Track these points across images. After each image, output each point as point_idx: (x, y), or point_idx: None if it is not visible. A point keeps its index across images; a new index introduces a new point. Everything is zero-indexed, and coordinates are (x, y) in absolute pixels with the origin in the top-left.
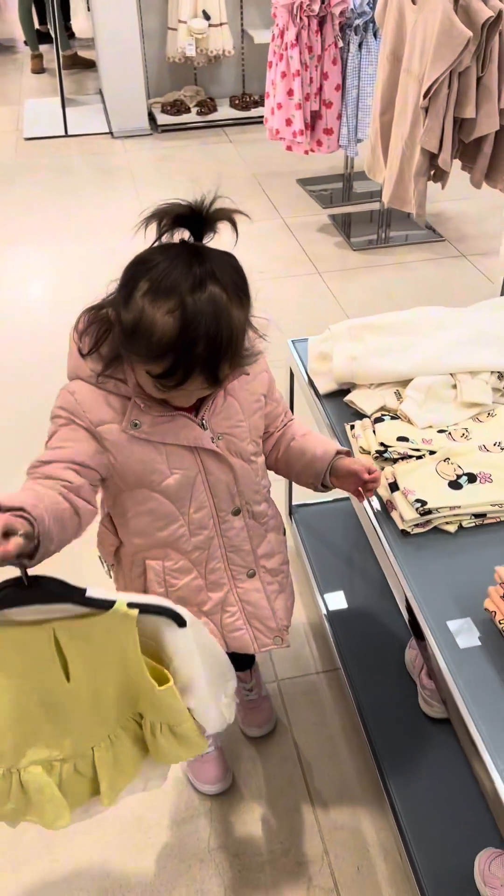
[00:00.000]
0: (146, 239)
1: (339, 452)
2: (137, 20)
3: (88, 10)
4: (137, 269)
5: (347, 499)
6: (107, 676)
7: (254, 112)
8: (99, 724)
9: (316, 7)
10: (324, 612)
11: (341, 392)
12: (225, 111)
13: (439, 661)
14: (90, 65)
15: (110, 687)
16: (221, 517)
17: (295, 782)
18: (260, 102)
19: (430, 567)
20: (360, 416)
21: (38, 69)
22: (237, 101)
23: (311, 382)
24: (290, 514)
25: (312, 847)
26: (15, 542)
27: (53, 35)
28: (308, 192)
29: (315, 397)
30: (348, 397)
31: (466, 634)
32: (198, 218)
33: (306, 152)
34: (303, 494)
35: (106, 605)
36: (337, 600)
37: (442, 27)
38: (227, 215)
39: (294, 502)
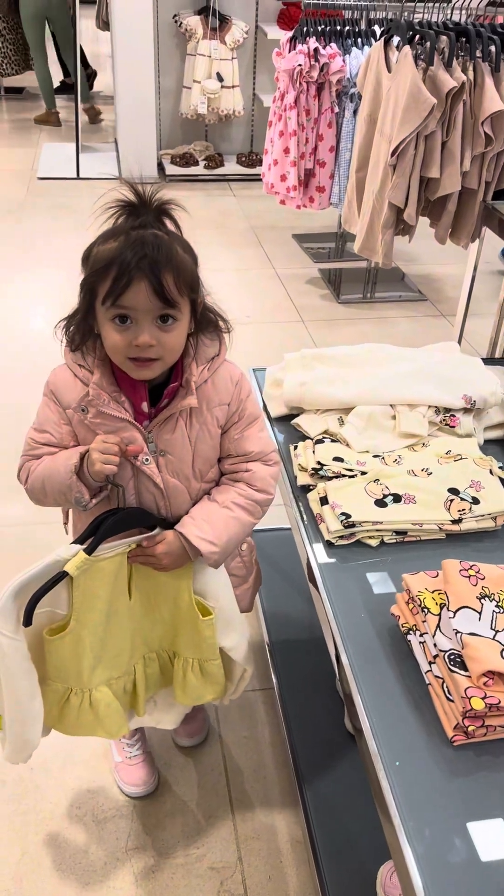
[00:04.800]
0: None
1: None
2: (155, 78)
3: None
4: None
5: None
6: (159, 601)
7: (259, 169)
8: (143, 643)
9: (315, 74)
10: (265, 633)
11: (292, 416)
12: (231, 167)
13: (345, 665)
14: (95, 117)
15: (161, 611)
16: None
17: (219, 791)
18: None
19: (349, 575)
20: (305, 438)
21: (54, 122)
22: (244, 159)
23: (265, 406)
24: None
25: (227, 854)
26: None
27: (74, 81)
28: (302, 247)
29: (266, 419)
30: (295, 420)
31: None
32: (144, 208)
33: (298, 207)
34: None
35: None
36: (279, 623)
37: (410, 93)
38: (167, 208)
39: None
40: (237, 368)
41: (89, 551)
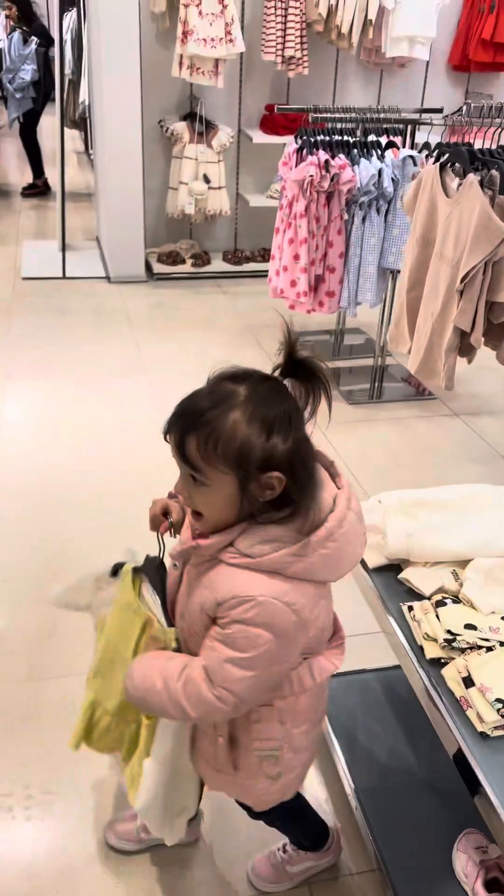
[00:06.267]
0: (153, 386)
1: None
2: (141, 180)
3: (92, 167)
4: None
5: (374, 669)
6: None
7: (245, 267)
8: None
9: (326, 184)
10: (354, 803)
11: (391, 566)
12: (218, 264)
13: None
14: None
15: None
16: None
17: None
18: (251, 258)
19: None
20: (415, 594)
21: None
22: (230, 256)
23: None
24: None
25: None
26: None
27: (61, 182)
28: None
29: (364, 570)
30: (403, 575)
31: None
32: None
33: (308, 311)
34: None
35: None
36: (369, 789)
37: (480, 222)
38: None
39: None
40: (259, 586)
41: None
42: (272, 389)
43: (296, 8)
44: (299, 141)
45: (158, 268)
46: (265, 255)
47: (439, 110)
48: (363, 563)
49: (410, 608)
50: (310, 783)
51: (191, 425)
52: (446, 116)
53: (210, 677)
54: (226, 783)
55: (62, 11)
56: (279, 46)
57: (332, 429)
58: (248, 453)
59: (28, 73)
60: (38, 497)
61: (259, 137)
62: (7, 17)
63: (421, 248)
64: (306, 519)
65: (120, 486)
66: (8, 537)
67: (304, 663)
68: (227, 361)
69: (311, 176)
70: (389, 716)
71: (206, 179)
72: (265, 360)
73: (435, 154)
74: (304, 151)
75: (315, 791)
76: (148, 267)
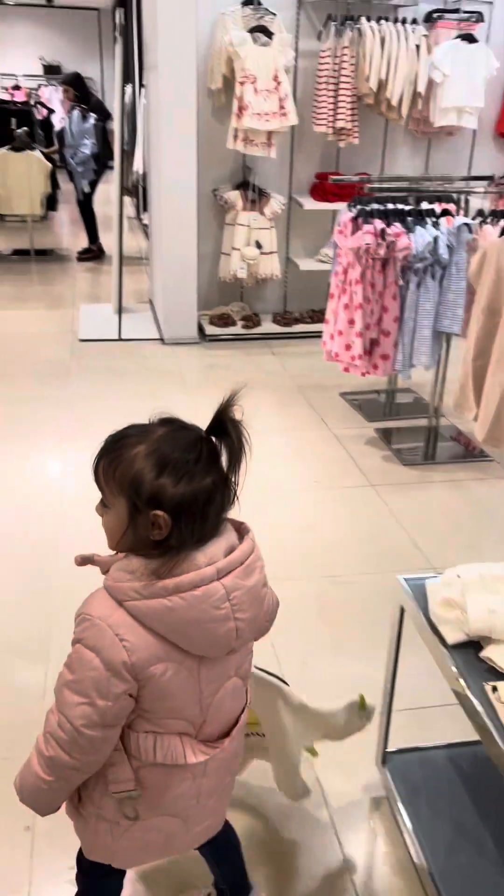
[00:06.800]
0: None
1: None
2: (195, 246)
3: (146, 237)
4: None
5: (445, 746)
6: None
7: (295, 328)
8: None
9: (382, 252)
10: (426, 881)
11: (472, 643)
12: (268, 326)
13: None
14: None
15: None
16: None
17: None
18: (301, 320)
19: None
20: (498, 673)
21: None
22: (279, 318)
23: (433, 628)
24: (384, 761)
25: None
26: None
27: (118, 248)
28: (351, 404)
29: (442, 646)
30: (485, 653)
31: None
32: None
33: (363, 374)
34: (400, 738)
35: None
36: (440, 867)
37: None
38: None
39: (389, 747)
40: (102, 608)
41: None
42: (188, 439)
43: (347, 82)
44: (354, 209)
45: (210, 329)
46: (314, 317)
47: (490, 178)
48: (441, 638)
49: (494, 689)
50: (377, 857)
51: (106, 449)
52: (499, 183)
53: (56, 702)
54: (71, 810)
55: (123, 86)
56: (330, 118)
57: (388, 490)
58: (138, 485)
59: (88, 146)
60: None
61: (309, 204)
62: (66, 97)
63: (487, 318)
64: (167, 564)
65: None
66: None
67: (149, 735)
68: (279, 421)
69: (368, 244)
70: (461, 792)
71: (259, 245)
72: (315, 418)
73: (500, 227)
74: (360, 220)
75: (381, 870)
76: (200, 329)
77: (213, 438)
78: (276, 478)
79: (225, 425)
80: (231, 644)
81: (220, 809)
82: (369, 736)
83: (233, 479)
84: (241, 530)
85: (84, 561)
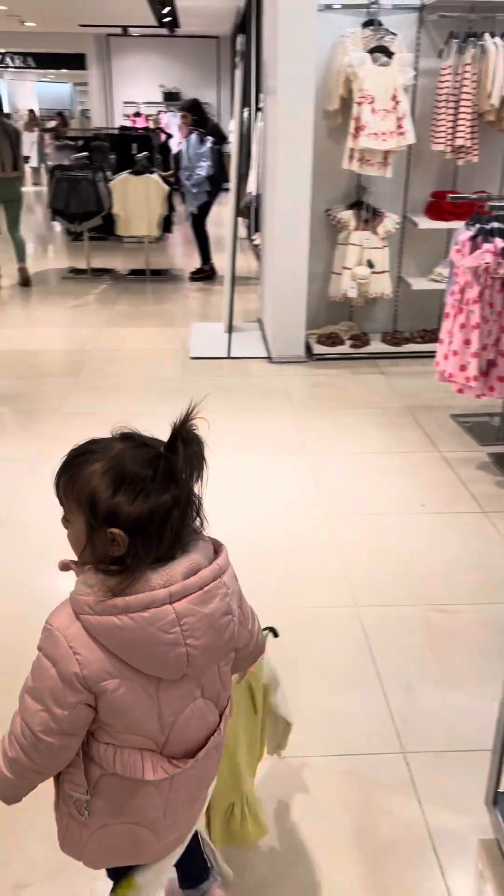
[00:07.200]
0: (310, 462)
1: None
2: (307, 265)
3: (256, 257)
4: None
5: None
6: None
7: (405, 348)
8: None
9: (502, 271)
10: None
11: None
12: (377, 345)
13: None
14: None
15: None
16: None
17: None
18: (411, 339)
19: None
20: None
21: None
22: (389, 338)
23: None
24: (495, 802)
25: None
26: None
27: (231, 268)
28: (462, 426)
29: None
30: None
31: None
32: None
33: (478, 396)
34: None
35: None
36: None
37: None
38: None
39: (501, 787)
40: (62, 619)
41: None
42: (145, 455)
43: (468, 99)
44: (473, 228)
45: (318, 348)
46: (425, 337)
47: None
48: None
49: None
50: None
51: (66, 464)
52: None
53: (19, 706)
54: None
55: (241, 110)
56: (449, 136)
57: (501, 518)
58: (94, 503)
59: (204, 169)
60: None
61: (424, 223)
62: (184, 122)
63: None
64: (121, 582)
65: (271, 567)
66: None
67: (109, 746)
68: (385, 441)
69: (488, 263)
70: None
71: (370, 265)
72: (424, 440)
73: None
74: (479, 238)
75: None
76: (308, 348)
77: (172, 455)
78: (381, 500)
79: (181, 441)
80: (183, 669)
81: (192, 820)
82: (480, 774)
83: (194, 497)
84: (218, 551)
85: (65, 567)
